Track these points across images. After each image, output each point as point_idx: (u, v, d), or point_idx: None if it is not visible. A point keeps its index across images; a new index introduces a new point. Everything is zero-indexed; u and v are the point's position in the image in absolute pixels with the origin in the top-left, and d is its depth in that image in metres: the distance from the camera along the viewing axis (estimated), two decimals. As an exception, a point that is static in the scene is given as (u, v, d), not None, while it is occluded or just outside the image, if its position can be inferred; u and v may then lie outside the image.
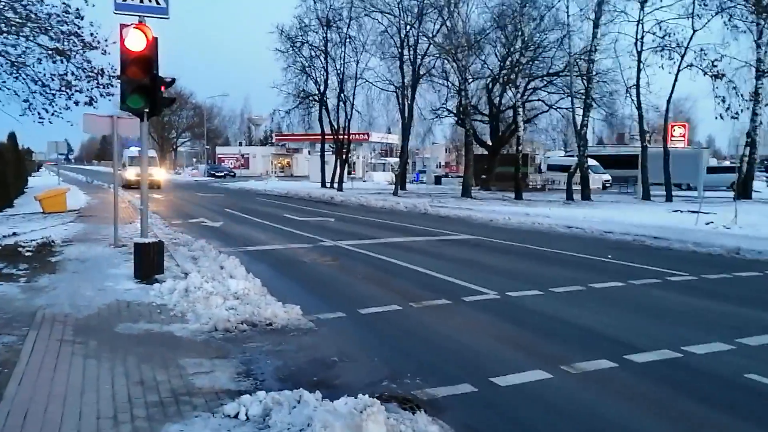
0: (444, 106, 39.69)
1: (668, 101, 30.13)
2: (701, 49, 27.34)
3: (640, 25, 29.25)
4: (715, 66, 27.00)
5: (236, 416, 4.34)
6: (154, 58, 8.57)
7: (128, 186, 36.55)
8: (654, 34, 28.35)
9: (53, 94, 20.19)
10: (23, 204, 23.18)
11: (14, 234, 13.81)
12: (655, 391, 5.00)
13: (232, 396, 4.79)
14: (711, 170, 39.39)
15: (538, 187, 42.42)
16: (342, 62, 39.75)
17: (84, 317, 6.98)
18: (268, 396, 4.56)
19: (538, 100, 38.94)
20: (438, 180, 55.77)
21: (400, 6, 35.60)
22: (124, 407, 4.46)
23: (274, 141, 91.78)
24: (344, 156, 41.58)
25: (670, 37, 28.24)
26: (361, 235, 15.46)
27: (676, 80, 28.97)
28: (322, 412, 4.08)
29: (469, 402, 4.78)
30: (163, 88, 8.72)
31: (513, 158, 42.53)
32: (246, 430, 4.20)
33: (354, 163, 63.13)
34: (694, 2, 27.72)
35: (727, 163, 54.76)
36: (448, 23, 32.92)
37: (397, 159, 67.39)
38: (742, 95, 27.45)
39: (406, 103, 36.56)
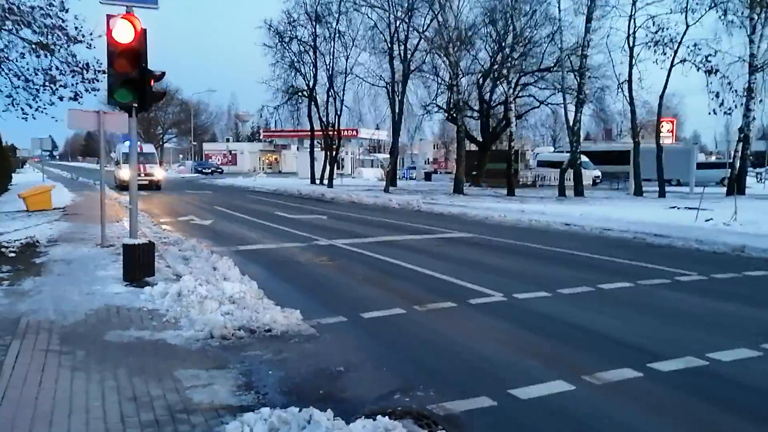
0: (434, 102, 39.43)
1: (661, 97, 30.00)
2: (695, 44, 27.20)
3: (633, 20, 29.13)
4: (709, 61, 26.85)
5: (240, 438, 3.99)
6: (142, 50, 8.15)
7: (123, 187, 32.25)
8: (647, 28, 28.17)
9: (37, 90, 19.62)
10: (6, 202, 22.56)
11: (-3, 234, 13.31)
12: (685, 403, 4.69)
13: (234, 412, 4.44)
14: (700, 166, 39.37)
15: (529, 183, 42.23)
16: (331, 57, 39.35)
17: (71, 324, 6.57)
18: (273, 414, 4.20)
19: (529, 95, 38.80)
20: (428, 176, 55.50)
21: (390, 0, 35.21)
22: (117, 428, 4.08)
23: (261, 137, 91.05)
24: (334, 152, 41.13)
25: (663, 32, 28.09)
26: (356, 233, 15.10)
27: (669, 76, 28.83)
28: (336, 435, 3.73)
29: (491, 418, 4.44)
30: (152, 82, 8.30)
31: (504, 154, 42.32)
32: (252, 454, 3.84)
33: (342, 159, 62.68)
34: (688, -3, 27.60)
35: (713, 159, 54.89)
36: (439, 17, 32.53)
37: (386, 155, 67.16)
38: (735, 91, 27.33)
39: (396, 98, 36.18)
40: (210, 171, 74.17)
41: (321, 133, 41.88)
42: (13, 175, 38.87)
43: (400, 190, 34.88)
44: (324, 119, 40.73)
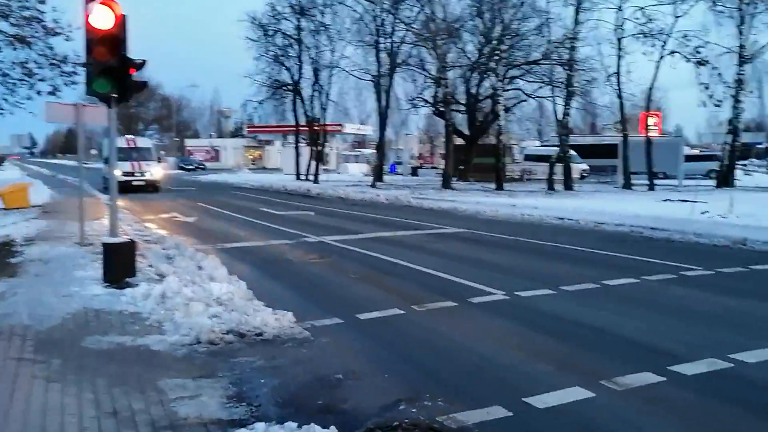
0: (421, 95, 38.99)
1: (650, 89, 29.91)
2: (684, 35, 27.03)
3: (620, 12, 28.91)
4: (699, 52, 26.68)
5: (233, 460, 3.58)
6: (122, 37, 7.66)
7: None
8: (637, 20, 27.92)
9: (14, 83, 19.02)
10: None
11: (-29, 233, 12.73)
12: (714, 410, 4.35)
13: (224, 427, 4.04)
14: (686, 158, 39.31)
15: (516, 177, 41.92)
16: (316, 51, 38.73)
17: (46, 329, 6.11)
18: (269, 430, 3.81)
19: (516, 89, 38.48)
20: (414, 171, 55.05)
21: (377, -8, 34.68)
22: (94, 450, 3.66)
23: (245, 133, 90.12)
24: (320, 147, 40.59)
25: (651, 23, 27.90)
26: (346, 229, 14.67)
27: (658, 68, 28.69)
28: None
29: (507, 429, 4.06)
30: (133, 71, 7.81)
31: (491, 149, 42.01)
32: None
33: (327, 155, 62.09)
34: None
35: (696, 152, 55.02)
36: (426, 9, 32.08)
37: (372, 150, 66.66)
38: (725, 82, 27.19)
39: (382, 92, 35.71)
40: (193, 167, 73.22)
41: (306, 128, 41.30)
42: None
43: (387, 185, 34.46)
44: (309, 114, 40.15)
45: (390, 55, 34.31)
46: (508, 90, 35.88)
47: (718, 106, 27.53)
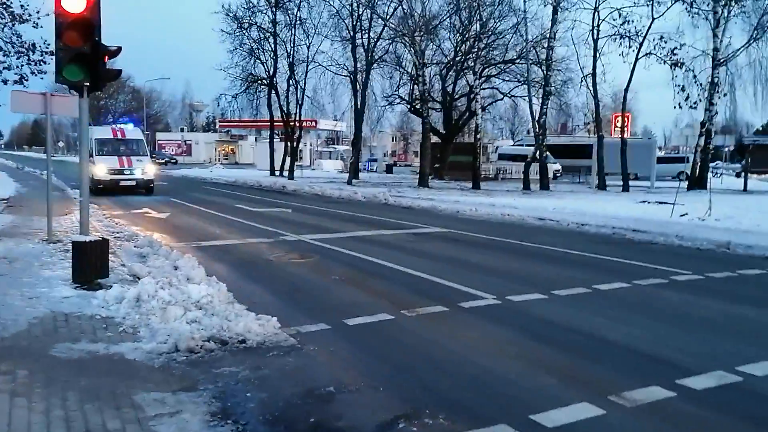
0: (396, 93, 38.71)
1: (626, 90, 30.05)
2: (661, 37, 27.18)
3: (597, 13, 28.98)
4: (675, 54, 26.84)
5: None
6: (95, 21, 7.20)
7: (100, 188, 22.90)
8: (614, 20, 28.02)
9: (-22, 72, 18.30)
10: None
11: (-71, 228, 12.06)
12: (733, 429, 4.12)
13: (210, 450, 3.67)
14: (657, 160, 39.73)
15: (491, 176, 41.94)
16: (292, 45, 38.17)
17: (11, 336, 5.66)
18: (261, 455, 3.45)
19: (493, 87, 38.46)
20: (389, 169, 54.89)
21: (353, -14, 34.26)
22: (65, 479, 3.27)
23: (218, 127, 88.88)
24: (295, 143, 40.03)
25: (628, 24, 28.03)
26: (325, 228, 14.30)
27: (633, 69, 28.80)
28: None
29: (518, 452, 3.78)
30: (106, 59, 7.36)
31: (466, 147, 41.98)
32: None
33: (301, 151, 61.57)
34: (653, -11, 27.52)
35: (662, 154, 55.65)
36: (404, 5, 31.77)
37: (346, 147, 66.17)
38: (701, 84, 27.42)
39: (358, 89, 35.30)
40: (164, 161, 71.97)
41: (281, 123, 40.70)
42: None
43: (363, 183, 34.12)
44: (285, 109, 39.56)
45: (367, 51, 33.93)
46: (484, 89, 35.84)
47: (694, 108, 27.74)
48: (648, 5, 27.61)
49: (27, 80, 18.12)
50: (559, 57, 31.68)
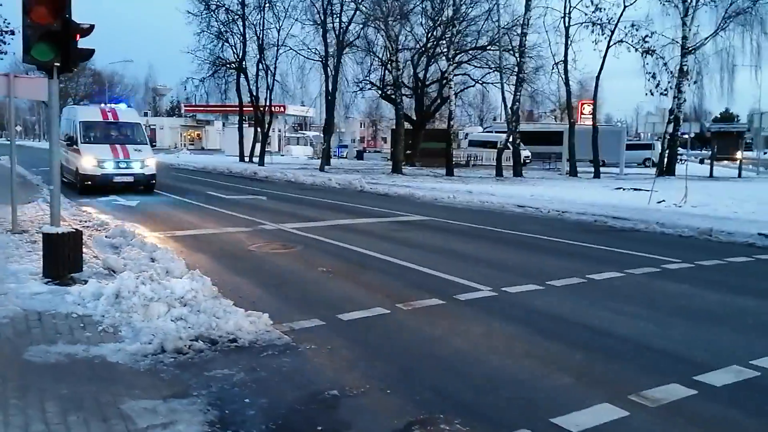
0: (367, 78, 38.21)
1: (597, 77, 30.07)
2: (632, 24, 27.24)
3: (568, 0, 28.90)
4: (647, 42, 26.95)
5: None
6: (65, -4, 6.67)
7: (87, 185, 17.85)
8: (587, 7, 27.98)
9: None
10: None
11: None
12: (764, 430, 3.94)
13: (212, 467, 3.34)
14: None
15: (462, 163, 41.87)
16: (262, 28, 37.33)
17: (-22, 338, 5.20)
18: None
19: (464, 74, 38.22)
20: (359, 155, 54.47)
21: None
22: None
23: (183, 112, 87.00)
24: (266, 129, 39.28)
25: (600, 11, 28.03)
26: (304, 216, 13.89)
27: (605, 56, 28.83)
28: None
29: (547, 461, 3.52)
30: (78, 37, 6.84)
31: (438, 133, 41.76)
32: None
33: (269, 136, 60.64)
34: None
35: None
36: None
37: (316, 133, 65.34)
38: (672, 72, 27.61)
39: (330, 74, 34.71)
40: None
41: (251, 108, 39.89)
42: None
43: (335, 169, 33.67)
44: (255, 94, 38.74)
45: (338, 35, 33.32)
46: (456, 75, 35.57)
47: (664, 95, 27.95)
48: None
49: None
50: (531, 44, 31.61)
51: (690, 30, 28.98)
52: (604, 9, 27.91)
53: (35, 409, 3.92)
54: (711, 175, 29.56)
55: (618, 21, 28.01)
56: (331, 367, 4.87)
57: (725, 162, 40.41)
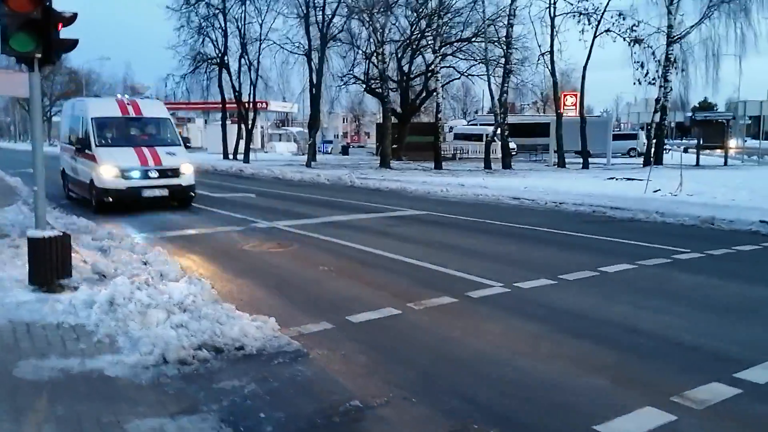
0: (351, 72, 37.75)
1: (584, 68, 29.87)
2: (620, 13, 27.07)
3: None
4: (634, 31, 26.81)
5: None
6: (46, -16, 6.24)
7: (107, 202, 13.59)
8: (572, -3, 27.73)
9: None
10: None
11: None
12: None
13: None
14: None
15: (449, 156, 41.61)
16: (243, 23, 36.67)
17: (-39, 353, 4.80)
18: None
19: (449, 66, 37.92)
20: (344, 150, 54.03)
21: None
22: None
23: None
24: (250, 125, 38.67)
25: (586, 1, 27.85)
26: (297, 213, 13.50)
27: (592, 47, 28.66)
28: None
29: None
30: (60, 26, 6.41)
31: (424, 127, 41.43)
32: None
33: (253, 133, 59.90)
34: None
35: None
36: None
37: (299, 129, 64.62)
38: (659, 61, 27.49)
39: (314, 68, 34.18)
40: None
41: (234, 104, 39.24)
42: None
43: (322, 165, 33.21)
44: (238, 90, 38.09)
45: (321, 29, 32.80)
46: (442, 67, 35.27)
47: (652, 84, 27.84)
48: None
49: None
50: (516, 35, 31.35)
51: (675, 19, 28.87)
52: (590, -1, 27.76)
53: (30, 433, 3.55)
54: (698, 164, 29.57)
55: (604, 11, 27.86)
56: (348, 375, 4.53)
57: (707, 150, 40.58)
